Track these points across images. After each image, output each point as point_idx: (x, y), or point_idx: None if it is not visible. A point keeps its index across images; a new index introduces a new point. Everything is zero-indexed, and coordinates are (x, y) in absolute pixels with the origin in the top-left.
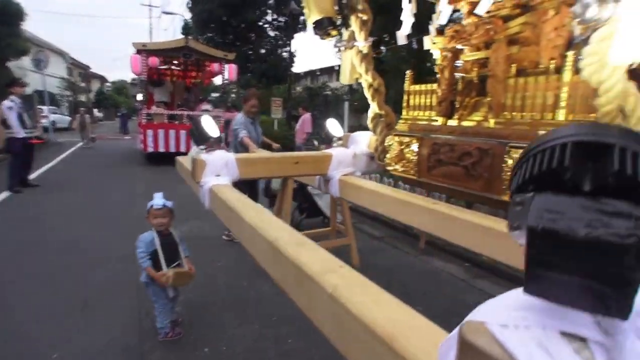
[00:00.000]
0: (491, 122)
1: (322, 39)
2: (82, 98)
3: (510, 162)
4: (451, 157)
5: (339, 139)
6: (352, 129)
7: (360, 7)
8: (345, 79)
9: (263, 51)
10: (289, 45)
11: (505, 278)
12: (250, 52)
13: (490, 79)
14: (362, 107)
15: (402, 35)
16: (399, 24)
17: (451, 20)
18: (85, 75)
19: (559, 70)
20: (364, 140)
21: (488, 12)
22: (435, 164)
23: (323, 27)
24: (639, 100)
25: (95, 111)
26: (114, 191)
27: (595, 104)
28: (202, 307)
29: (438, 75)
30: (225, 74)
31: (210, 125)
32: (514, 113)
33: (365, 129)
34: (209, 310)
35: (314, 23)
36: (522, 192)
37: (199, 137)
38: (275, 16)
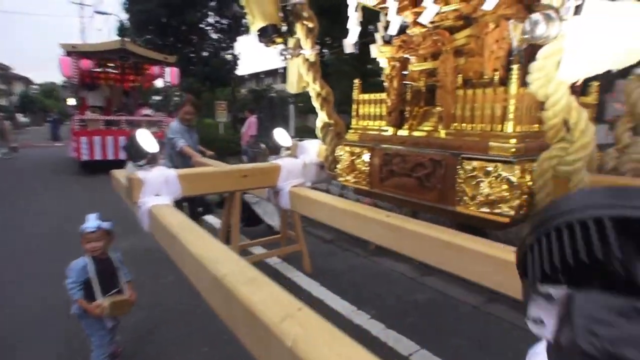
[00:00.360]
0: (442, 133)
1: (266, 46)
2: (2, 102)
3: (462, 173)
4: (404, 168)
5: (287, 148)
6: (298, 130)
7: (305, 14)
8: (292, 87)
9: (206, 54)
10: (232, 48)
11: (452, 274)
12: (193, 55)
13: (440, 89)
14: (307, 108)
15: (348, 44)
16: (341, 28)
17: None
18: (5, 77)
19: (503, 81)
20: (313, 149)
21: (432, 22)
22: (387, 175)
23: (267, 35)
24: (581, 113)
25: (20, 116)
26: (43, 206)
27: (542, 117)
28: (147, 333)
29: (385, 85)
30: (167, 77)
31: (147, 140)
32: (463, 124)
33: (312, 130)
34: (154, 335)
35: (258, 30)
36: (547, 278)
37: (135, 153)
38: (217, 18)
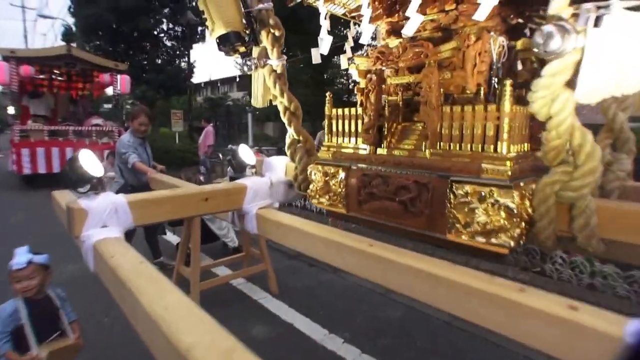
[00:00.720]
0: (427, 153)
1: (228, 55)
2: None
3: (452, 198)
4: (385, 191)
5: (252, 166)
6: (256, 138)
7: (271, 21)
8: (257, 101)
9: (160, 61)
10: (188, 55)
11: None
12: (146, 62)
13: (423, 105)
14: (264, 116)
15: (317, 54)
16: (299, 38)
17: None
18: None
19: (487, 97)
20: (280, 167)
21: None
22: (367, 198)
23: (229, 43)
24: (585, 135)
25: None
26: None
27: (543, 138)
28: None
29: (358, 98)
30: (118, 85)
31: (90, 162)
32: (451, 144)
33: (269, 137)
34: None
35: (218, 38)
36: None
37: (76, 178)
38: (171, 25)
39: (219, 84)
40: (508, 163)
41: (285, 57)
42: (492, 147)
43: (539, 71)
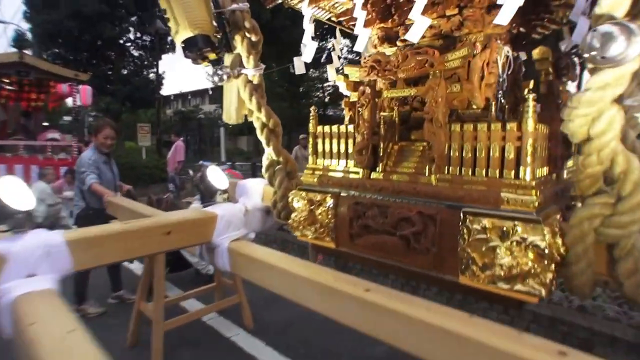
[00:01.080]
0: (432, 179)
1: (195, 63)
2: None
3: (466, 233)
4: (383, 224)
5: (224, 191)
6: (229, 152)
7: (247, 24)
8: (230, 117)
9: (126, 72)
10: (156, 66)
11: None
12: (111, 73)
13: (428, 123)
14: (238, 130)
15: (300, 64)
16: (273, 48)
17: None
18: None
19: (501, 114)
20: (256, 191)
21: (404, 40)
22: (361, 232)
23: (197, 49)
24: (631, 161)
25: None
26: None
27: (578, 163)
28: None
29: (346, 113)
30: (78, 96)
31: (14, 191)
32: (462, 168)
33: (243, 152)
34: None
35: (183, 42)
36: None
37: None
38: (139, 34)
39: (189, 97)
40: (533, 192)
41: (263, 66)
42: (512, 172)
43: (556, 84)
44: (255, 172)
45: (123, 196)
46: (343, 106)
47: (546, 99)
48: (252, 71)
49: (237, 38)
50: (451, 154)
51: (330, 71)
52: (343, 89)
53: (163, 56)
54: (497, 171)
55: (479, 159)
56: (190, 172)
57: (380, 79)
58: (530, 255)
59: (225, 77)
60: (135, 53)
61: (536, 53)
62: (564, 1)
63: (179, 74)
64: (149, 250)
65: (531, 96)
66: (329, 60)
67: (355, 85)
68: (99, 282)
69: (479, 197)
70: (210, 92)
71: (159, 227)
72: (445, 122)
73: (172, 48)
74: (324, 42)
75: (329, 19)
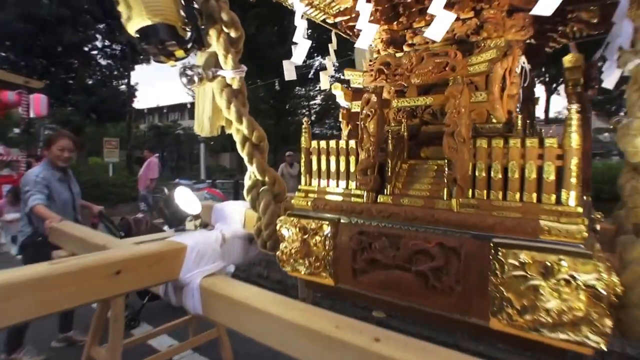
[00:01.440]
0: (453, 203)
1: (157, 60)
2: None
3: (498, 269)
4: (395, 257)
5: (196, 217)
6: (210, 170)
7: (224, 16)
8: (202, 128)
9: (91, 82)
10: (127, 77)
11: None
12: (72, 82)
13: (449, 138)
14: (220, 146)
15: (291, 67)
16: (254, 58)
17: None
18: None
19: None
20: (236, 216)
21: (412, 45)
22: (366, 267)
23: (157, 41)
24: None
25: None
26: None
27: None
28: None
29: (343, 127)
30: (30, 106)
31: None
32: (491, 191)
33: (224, 169)
34: None
35: (138, 32)
36: None
37: None
38: (107, 42)
39: (166, 111)
40: (580, 220)
41: (244, 67)
42: (552, 196)
43: (586, 96)
44: (238, 190)
45: (94, 219)
46: (340, 119)
47: (582, 112)
48: (230, 73)
49: (213, 33)
50: (477, 174)
51: (324, 78)
52: (340, 98)
53: (136, 67)
54: (534, 195)
55: (512, 181)
56: (165, 190)
57: (389, 85)
58: (583, 297)
59: (196, 78)
60: (103, 62)
61: (568, 60)
62: (576, 15)
63: (156, 87)
64: (92, 297)
65: (574, 107)
66: (317, 77)
67: (354, 95)
68: (44, 320)
69: (513, 226)
70: (190, 107)
71: (104, 265)
72: (469, 136)
73: (147, 59)
74: (311, 59)
75: (323, 20)
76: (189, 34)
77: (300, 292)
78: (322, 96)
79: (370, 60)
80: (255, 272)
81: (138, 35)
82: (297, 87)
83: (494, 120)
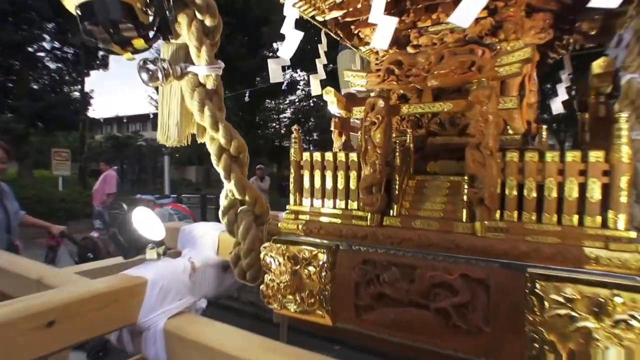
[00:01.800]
0: (478, 227)
1: (108, 50)
2: None
3: (537, 305)
4: (408, 292)
5: (160, 243)
6: (175, 183)
7: (199, 0)
8: (167, 136)
9: (37, 86)
10: (81, 83)
11: None
12: (13, 85)
13: (473, 151)
14: (187, 159)
15: (277, 69)
16: (226, 76)
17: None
18: None
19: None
20: (209, 240)
21: (418, 46)
22: (372, 303)
23: (106, 21)
24: None
25: None
26: None
27: None
28: None
29: (334, 138)
30: None
31: None
32: (524, 212)
33: (191, 183)
34: None
35: (80, 7)
36: None
37: None
38: (57, 44)
39: (126, 121)
40: (633, 247)
41: (221, 64)
42: (597, 218)
43: (611, 106)
44: (205, 205)
45: (52, 240)
46: (332, 128)
47: (604, 125)
48: (204, 69)
49: (183, 19)
50: (506, 192)
51: (314, 82)
52: (332, 105)
53: (93, 72)
54: (575, 217)
55: (548, 201)
56: (125, 205)
57: (399, 87)
58: None
59: (160, 75)
60: (52, 65)
61: (598, 66)
62: (578, 25)
63: (116, 96)
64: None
65: (623, 116)
66: (291, 89)
67: (348, 102)
68: None
69: (552, 254)
70: (153, 117)
71: (30, 316)
72: (497, 148)
73: (104, 64)
74: (283, 72)
75: (312, 17)
76: (151, 18)
77: (282, 335)
78: (292, 109)
79: (377, 59)
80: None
81: (79, 13)
82: (267, 100)
83: (510, 132)
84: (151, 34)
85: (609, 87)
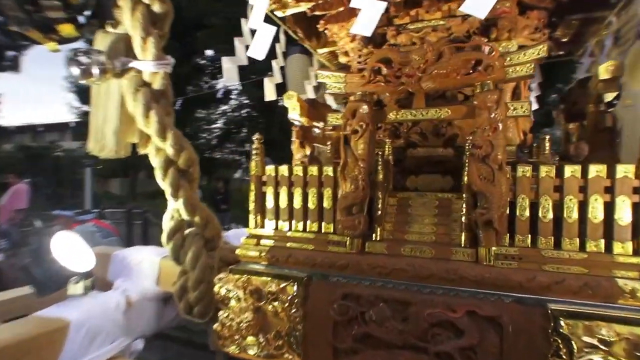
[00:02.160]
0: (483, 254)
1: (26, 37)
2: None
3: (563, 348)
4: (402, 333)
5: (87, 275)
6: (97, 197)
7: None
8: (101, 146)
9: None
10: None
11: None
12: None
13: (478, 164)
14: (110, 171)
15: (232, 68)
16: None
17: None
18: None
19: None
20: (146, 268)
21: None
22: (355, 345)
23: (22, 1)
24: None
25: None
26: None
27: None
28: None
29: (294, 148)
30: None
31: None
32: (540, 237)
33: (115, 197)
34: None
35: None
36: None
37: None
38: None
39: (42, 130)
40: None
41: (171, 59)
42: (629, 244)
43: (614, 114)
44: (131, 221)
45: None
46: (293, 137)
47: (610, 135)
48: (151, 66)
49: (125, 3)
50: (517, 213)
51: (269, 87)
52: (294, 112)
53: (0, 74)
54: (602, 242)
55: (568, 223)
56: (37, 223)
57: (388, 90)
58: None
59: (95, 70)
60: None
61: (605, 69)
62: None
63: (29, 102)
64: None
65: None
66: (225, 97)
67: (312, 111)
68: None
69: (578, 286)
70: (75, 125)
71: None
72: (505, 161)
73: (14, 66)
74: (215, 80)
75: (271, 11)
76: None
77: None
78: (224, 120)
79: (360, 57)
80: None
81: None
82: (198, 110)
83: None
84: (83, 18)
85: (614, 93)
